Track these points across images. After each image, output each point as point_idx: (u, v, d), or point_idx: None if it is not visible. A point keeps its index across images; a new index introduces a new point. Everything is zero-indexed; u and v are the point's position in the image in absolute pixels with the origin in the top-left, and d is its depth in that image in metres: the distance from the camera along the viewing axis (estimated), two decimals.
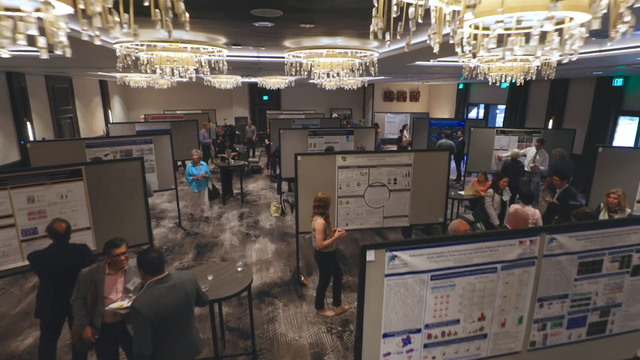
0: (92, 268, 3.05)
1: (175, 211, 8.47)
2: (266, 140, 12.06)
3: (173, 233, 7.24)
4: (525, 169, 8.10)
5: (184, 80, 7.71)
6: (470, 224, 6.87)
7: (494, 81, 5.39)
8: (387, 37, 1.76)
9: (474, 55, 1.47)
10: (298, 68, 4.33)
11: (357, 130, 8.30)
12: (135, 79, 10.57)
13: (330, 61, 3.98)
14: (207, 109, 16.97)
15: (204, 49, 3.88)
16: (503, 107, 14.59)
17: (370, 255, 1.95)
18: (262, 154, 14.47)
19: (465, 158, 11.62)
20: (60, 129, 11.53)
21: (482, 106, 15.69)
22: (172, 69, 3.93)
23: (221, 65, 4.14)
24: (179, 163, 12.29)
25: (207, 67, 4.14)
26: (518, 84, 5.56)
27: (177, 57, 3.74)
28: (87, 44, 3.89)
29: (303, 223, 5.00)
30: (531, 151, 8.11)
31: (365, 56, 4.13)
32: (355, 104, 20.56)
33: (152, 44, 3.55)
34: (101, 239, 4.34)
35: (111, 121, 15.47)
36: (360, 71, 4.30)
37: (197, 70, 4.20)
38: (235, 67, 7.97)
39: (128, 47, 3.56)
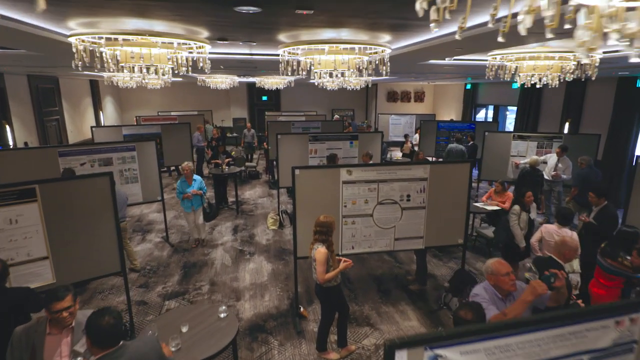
0: (29, 325, 2.37)
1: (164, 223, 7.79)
2: (265, 144, 11.38)
3: (159, 250, 6.56)
4: (546, 177, 7.41)
5: (158, 81, 7.03)
6: (490, 241, 6.18)
7: (523, 82, 4.68)
8: (435, 14, 1.06)
9: (632, 40, 0.81)
10: (295, 67, 3.63)
11: (362, 135, 7.60)
12: (125, 79, 9.87)
13: (333, 59, 3.29)
14: (203, 109, 16.30)
15: (181, 44, 3.19)
16: (513, 108, 13.89)
17: (402, 359, 1.25)
18: (260, 158, 13.79)
19: (476, 164, 10.95)
20: (45, 133, 10.85)
21: (490, 107, 14.98)
22: (141, 68, 3.24)
23: (202, 63, 3.45)
24: (172, 168, 11.63)
25: (186, 65, 3.45)
26: (552, 86, 4.85)
27: (148, 52, 3.04)
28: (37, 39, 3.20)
29: (302, 246, 4.31)
30: (552, 158, 7.41)
31: (375, 53, 3.42)
32: (357, 104, 19.87)
33: (114, 36, 2.86)
34: (62, 270, 3.67)
35: (103, 123, 14.81)
36: (369, 71, 3.60)
37: (174, 70, 3.52)
38: (228, 67, 7.27)
39: (83, 41, 2.87)
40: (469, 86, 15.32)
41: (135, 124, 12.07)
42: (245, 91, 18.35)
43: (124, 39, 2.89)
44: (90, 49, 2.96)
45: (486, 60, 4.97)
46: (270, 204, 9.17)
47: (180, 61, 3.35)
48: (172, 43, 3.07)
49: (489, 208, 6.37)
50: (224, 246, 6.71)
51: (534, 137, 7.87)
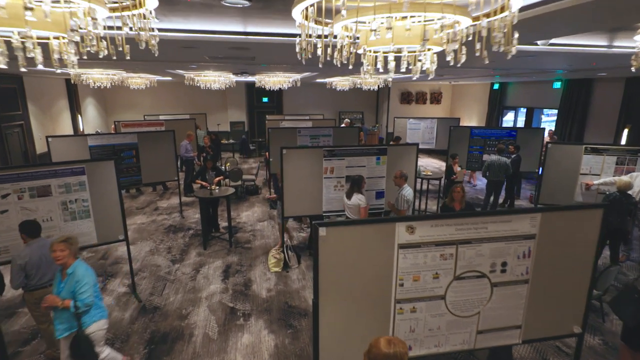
0: None
1: (138, 261, 6.05)
2: (266, 154, 9.62)
3: (121, 308, 4.79)
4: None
5: (142, 81, 5.35)
6: None
7: None
8: None
9: None
10: (338, 47, 1.86)
11: (391, 148, 5.85)
12: (95, 76, 8.14)
13: (409, 25, 1.55)
14: (196, 112, 14.54)
15: None
16: (550, 111, 12.15)
17: None
18: (260, 167, 12.02)
19: (515, 181, 9.18)
20: (4, 142, 9.11)
21: (521, 110, 13.22)
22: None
23: (142, 39, 1.72)
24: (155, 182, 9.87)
25: (103, 44, 1.71)
26: None
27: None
28: None
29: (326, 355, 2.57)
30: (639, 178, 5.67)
31: (495, 12, 1.66)
32: (367, 106, 18.13)
33: None
34: None
35: (82, 129, 13.08)
36: (474, 51, 1.81)
37: (81, 50, 1.79)
38: (215, 57, 5.50)
39: None
40: (496, 86, 13.57)
41: (114, 131, 10.31)
42: (244, 91, 16.62)
43: None
44: None
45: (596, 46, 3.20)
46: (271, 231, 7.41)
47: (88, 33, 1.63)
48: None
49: None
50: (210, 301, 4.94)
51: (612, 151, 6.10)
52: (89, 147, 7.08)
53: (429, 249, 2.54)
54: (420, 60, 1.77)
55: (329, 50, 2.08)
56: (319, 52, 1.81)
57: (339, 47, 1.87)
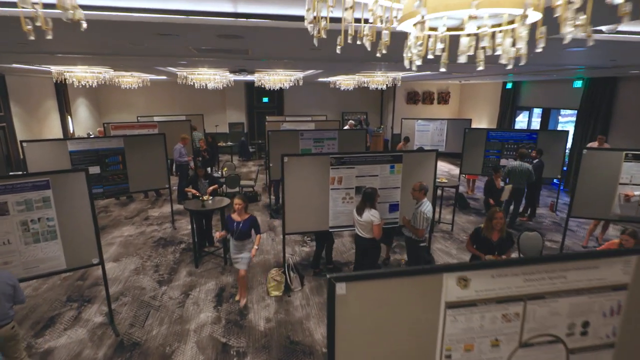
0: None
1: (120, 283, 5.37)
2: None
3: (94, 344, 4.08)
4: None
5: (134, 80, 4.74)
6: None
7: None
8: None
9: None
10: (371, 20, 1.23)
11: (407, 155, 5.14)
12: (78, 74, 7.45)
13: None
14: (194, 113, 13.84)
15: None
16: (565, 111, 11.42)
17: None
18: (259, 171, 11.31)
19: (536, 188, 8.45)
20: None
21: (536, 111, 12.49)
22: None
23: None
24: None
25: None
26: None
27: None
28: None
29: None
30: None
31: None
32: (371, 106, 17.43)
33: None
34: None
35: (72, 131, 12.40)
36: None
37: None
38: (200, 48, 4.78)
39: None
40: (509, 85, 12.84)
41: (102, 134, 9.61)
42: (244, 91, 15.93)
43: None
44: None
45: None
46: (272, 245, 6.70)
47: None
48: None
49: None
50: (199, 335, 4.23)
51: None
52: (69, 152, 6.39)
53: (488, 307, 1.83)
54: (516, 36, 1.07)
55: (351, 29, 1.39)
56: (344, 20, 1.12)
57: (372, 19, 1.18)
